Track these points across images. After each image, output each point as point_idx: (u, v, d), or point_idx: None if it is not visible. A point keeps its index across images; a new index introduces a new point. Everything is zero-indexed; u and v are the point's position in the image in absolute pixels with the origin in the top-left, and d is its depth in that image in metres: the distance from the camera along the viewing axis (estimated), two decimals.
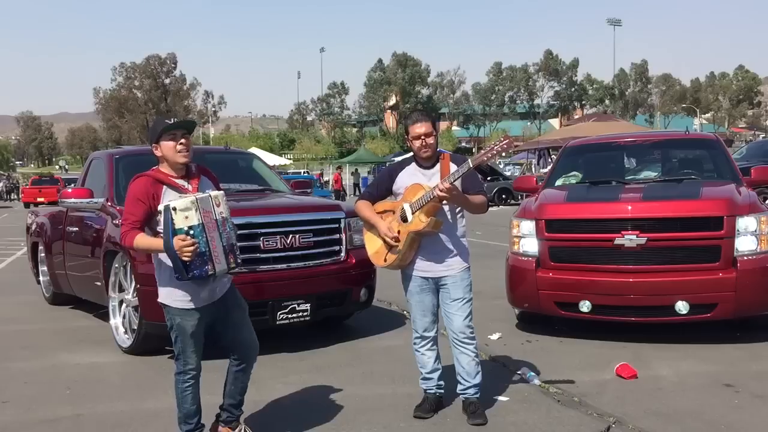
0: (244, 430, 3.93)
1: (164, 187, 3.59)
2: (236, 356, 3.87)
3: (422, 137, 4.17)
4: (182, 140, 3.60)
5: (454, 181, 3.96)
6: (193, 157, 3.78)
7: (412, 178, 4.22)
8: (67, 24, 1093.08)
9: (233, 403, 3.90)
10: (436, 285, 4.26)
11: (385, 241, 4.22)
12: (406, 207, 4.13)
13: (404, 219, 4.14)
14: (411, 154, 4.36)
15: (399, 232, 4.16)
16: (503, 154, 4.18)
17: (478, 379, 4.28)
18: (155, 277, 3.71)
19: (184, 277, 3.42)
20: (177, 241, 3.34)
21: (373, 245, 4.36)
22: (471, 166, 3.97)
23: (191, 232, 3.36)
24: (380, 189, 4.40)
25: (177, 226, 3.35)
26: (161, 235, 3.47)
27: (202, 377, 3.75)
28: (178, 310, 3.60)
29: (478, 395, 4.28)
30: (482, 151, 4.04)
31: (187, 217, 3.36)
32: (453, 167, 4.11)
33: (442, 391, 4.42)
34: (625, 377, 4.94)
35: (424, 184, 4.11)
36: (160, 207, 3.45)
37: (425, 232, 4.10)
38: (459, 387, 4.32)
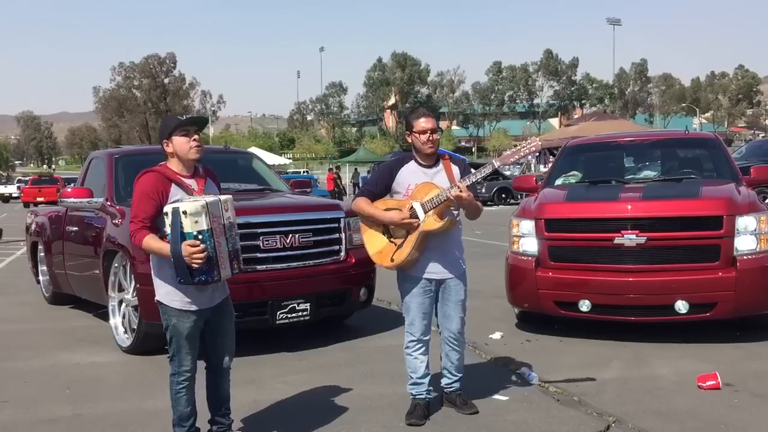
0: None
1: (172, 184, 3.51)
2: (214, 362, 3.77)
3: (429, 132, 4.13)
4: (195, 136, 3.55)
5: (475, 181, 3.98)
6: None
7: (414, 177, 4.17)
8: (67, 24, 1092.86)
9: (220, 413, 3.81)
10: (438, 287, 4.25)
11: (391, 240, 4.15)
12: (417, 206, 4.06)
13: (414, 218, 4.07)
14: (403, 152, 4.34)
15: (409, 230, 4.12)
16: (529, 157, 4.21)
17: (462, 372, 4.43)
18: (153, 274, 3.60)
19: (189, 282, 3.34)
20: (186, 247, 3.26)
21: (375, 244, 4.23)
22: (496, 166, 4.03)
23: (200, 236, 3.26)
24: (380, 186, 4.26)
25: (186, 230, 3.25)
26: (168, 236, 3.36)
27: (198, 378, 3.72)
28: (176, 311, 3.51)
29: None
30: (509, 152, 4.04)
31: (197, 222, 3.26)
32: (455, 169, 4.18)
33: (431, 396, 4.37)
34: (703, 386, 4.68)
35: (437, 183, 4.07)
36: (167, 208, 3.35)
37: (440, 232, 4.07)
38: (445, 381, 4.43)
